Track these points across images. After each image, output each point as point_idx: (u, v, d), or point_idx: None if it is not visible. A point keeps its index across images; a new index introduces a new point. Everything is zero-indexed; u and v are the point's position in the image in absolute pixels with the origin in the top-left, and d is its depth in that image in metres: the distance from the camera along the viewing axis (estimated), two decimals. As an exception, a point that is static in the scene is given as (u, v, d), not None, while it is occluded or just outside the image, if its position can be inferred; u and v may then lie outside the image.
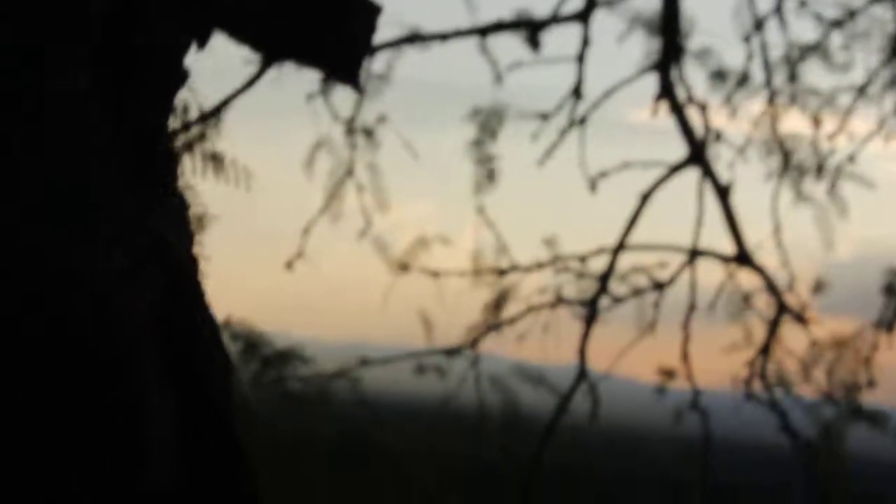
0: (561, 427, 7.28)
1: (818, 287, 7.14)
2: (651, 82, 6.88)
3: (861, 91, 7.24)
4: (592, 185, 6.65)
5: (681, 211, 7.33)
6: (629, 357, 7.38)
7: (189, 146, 3.32)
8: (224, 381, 1.91)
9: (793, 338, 7.34)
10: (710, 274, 7.34)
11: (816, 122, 7.25)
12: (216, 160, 5.49)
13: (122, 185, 1.79)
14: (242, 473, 1.88)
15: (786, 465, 7.71)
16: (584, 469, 10.59)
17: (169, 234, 1.86)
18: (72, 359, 1.66)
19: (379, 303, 7.00)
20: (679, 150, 6.93)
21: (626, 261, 7.12)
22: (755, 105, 7.28)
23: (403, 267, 6.76)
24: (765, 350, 7.21)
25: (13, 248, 1.64)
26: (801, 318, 7.18)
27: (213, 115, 4.98)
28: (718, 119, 7.16)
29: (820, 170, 7.23)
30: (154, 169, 1.88)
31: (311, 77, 6.70)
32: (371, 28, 2.17)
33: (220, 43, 2.05)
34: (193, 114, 2.61)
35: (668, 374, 7.19)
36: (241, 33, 2.11)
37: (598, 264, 7.04)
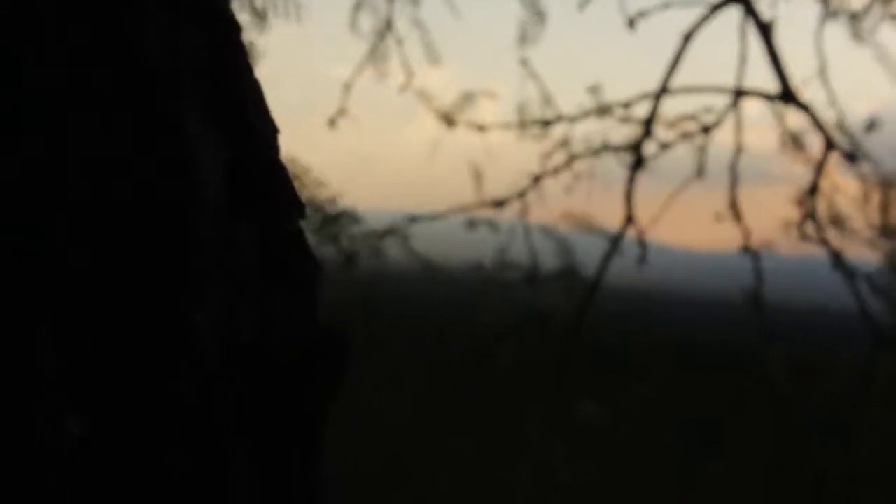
0: (611, 291, 7.31)
1: (871, 126, 7.01)
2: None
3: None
4: (631, 23, 6.58)
5: (723, 59, 7.28)
6: (675, 225, 7.39)
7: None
8: (273, 140, 1.95)
9: (842, 182, 7.31)
10: (755, 129, 7.31)
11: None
12: (260, 17, 5.50)
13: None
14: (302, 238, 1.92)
15: (845, 329, 7.70)
16: (632, 334, 10.66)
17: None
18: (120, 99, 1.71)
19: (423, 168, 7.02)
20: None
21: (671, 109, 7.11)
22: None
23: (449, 121, 6.76)
24: (813, 190, 7.17)
25: None
26: (850, 156, 7.13)
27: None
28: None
29: (869, 7, 7.11)
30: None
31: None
32: None
33: None
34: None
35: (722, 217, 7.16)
36: None
37: (644, 112, 7.02)
